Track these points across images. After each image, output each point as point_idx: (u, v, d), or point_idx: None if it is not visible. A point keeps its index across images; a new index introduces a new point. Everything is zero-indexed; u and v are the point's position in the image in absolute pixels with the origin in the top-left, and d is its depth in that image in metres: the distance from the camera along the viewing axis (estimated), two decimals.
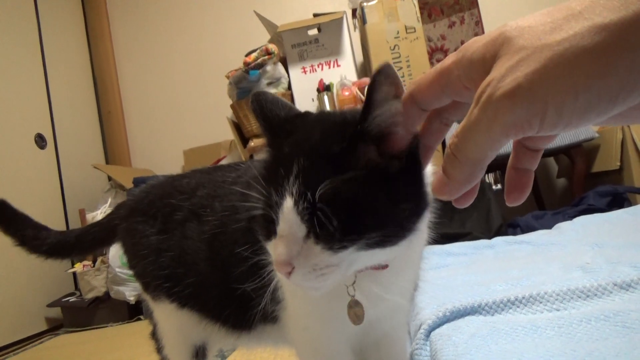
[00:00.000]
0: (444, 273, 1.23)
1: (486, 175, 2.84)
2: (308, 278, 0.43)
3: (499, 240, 1.55)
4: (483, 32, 3.08)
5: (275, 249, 0.43)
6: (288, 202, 0.42)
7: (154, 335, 0.81)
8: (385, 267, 0.50)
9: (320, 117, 0.49)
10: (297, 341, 0.63)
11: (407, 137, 0.42)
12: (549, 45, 0.28)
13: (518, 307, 0.77)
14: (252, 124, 2.57)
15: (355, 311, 0.53)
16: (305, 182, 0.41)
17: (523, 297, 0.77)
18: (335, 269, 0.43)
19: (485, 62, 0.31)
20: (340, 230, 0.41)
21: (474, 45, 0.33)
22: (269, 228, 0.45)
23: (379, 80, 0.39)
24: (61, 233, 0.92)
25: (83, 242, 0.89)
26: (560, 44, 0.27)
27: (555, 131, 0.29)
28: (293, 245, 0.42)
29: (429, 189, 0.44)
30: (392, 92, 0.40)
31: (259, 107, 0.50)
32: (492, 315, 0.77)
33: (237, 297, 0.62)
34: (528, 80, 0.28)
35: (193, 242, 0.69)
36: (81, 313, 2.60)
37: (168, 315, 0.75)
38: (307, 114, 0.50)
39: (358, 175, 0.41)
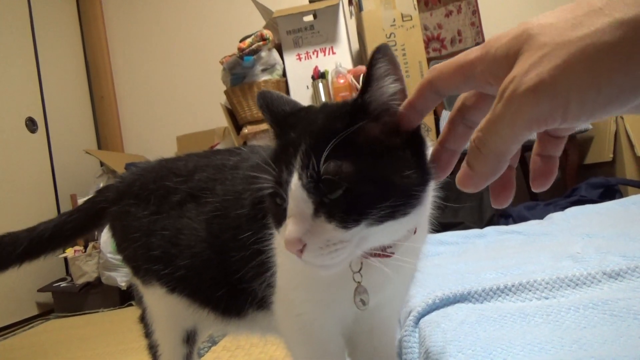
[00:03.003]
0: (436, 261, 1.23)
1: None
2: (319, 255, 0.42)
3: (490, 229, 1.55)
4: (480, 22, 3.06)
5: (285, 228, 0.43)
6: (295, 178, 0.43)
7: (143, 319, 0.80)
8: (391, 254, 0.50)
9: (324, 106, 0.50)
10: (288, 329, 0.62)
11: (412, 117, 0.42)
12: (571, 41, 0.29)
13: (507, 295, 0.77)
14: (246, 111, 2.55)
15: (362, 297, 0.53)
16: (309, 158, 0.42)
17: (512, 285, 0.77)
18: (347, 245, 0.43)
19: (508, 59, 0.32)
20: (349, 203, 0.42)
21: (498, 42, 0.33)
22: (280, 213, 0.45)
23: (377, 57, 0.42)
24: (29, 231, 0.85)
25: (61, 233, 0.84)
26: (581, 40, 0.28)
27: (578, 123, 0.31)
28: (302, 222, 0.42)
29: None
30: (391, 71, 0.42)
31: (266, 103, 0.52)
32: (481, 302, 0.77)
33: (231, 281, 0.62)
34: (551, 76, 0.28)
35: (190, 223, 0.69)
36: (72, 298, 2.60)
37: (158, 300, 0.74)
38: (311, 106, 0.52)
39: (361, 147, 0.42)
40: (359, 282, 0.52)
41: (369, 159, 0.42)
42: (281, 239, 0.45)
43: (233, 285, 0.63)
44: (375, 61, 0.42)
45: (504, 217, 2.12)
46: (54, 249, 0.88)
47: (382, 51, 0.41)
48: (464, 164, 0.36)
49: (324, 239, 0.42)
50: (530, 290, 0.76)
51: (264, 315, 0.64)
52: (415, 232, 0.52)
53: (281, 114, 0.51)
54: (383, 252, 0.49)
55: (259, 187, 0.47)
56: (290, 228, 0.42)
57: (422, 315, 0.79)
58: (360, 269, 0.52)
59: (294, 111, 0.51)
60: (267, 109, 0.51)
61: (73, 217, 0.85)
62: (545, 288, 0.75)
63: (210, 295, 0.68)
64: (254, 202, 0.60)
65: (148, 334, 0.79)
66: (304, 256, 0.43)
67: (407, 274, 0.60)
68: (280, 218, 0.46)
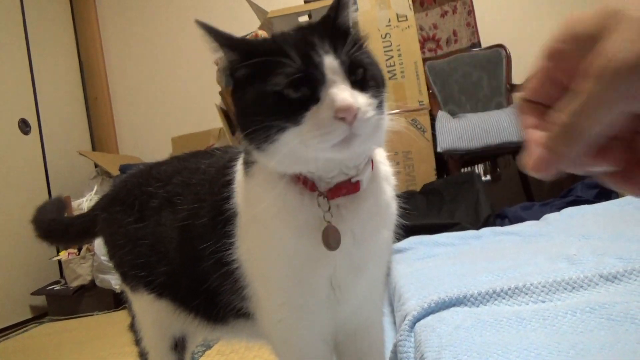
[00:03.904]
0: (431, 263, 1.22)
1: (476, 166, 2.85)
2: (370, 120, 0.49)
3: (486, 231, 1.55)
4: (475, 22, 3.06)
5: (336, 96, 0.48)
6: (330, 59, 0.50)
7: (133, 327, 0.79)
8: (356, 189, 0.56)
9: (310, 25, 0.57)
10: (272, 336, 0.62)
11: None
12: None
13: (503, 298, 0.76)
14: None
15: (333, 235, 0.55)
16: (335, 47, 0.50)
17: (508, 289, 0.76)
18: (376, 117, 0.50)
19: (592, 37, 0.30)
20: (367, 82, 0.51)
21: (576, 19, 0.32)
22: (296, 104, 0.48)
23: None
24: (52, 220, 0.92)
25: (70, 232, 0.89)
26: None
27: None
28: (350, 90, 0.49)
29: None
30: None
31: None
32: (477, 306, 0.76)
33: (205, 290, 0.62)
34: None
35: (165, 230, 0.68)
36: (66, 301, 2.57)
37: (146, 307, 0.74)
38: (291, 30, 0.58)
39: (361, 46, 0.53)
40: (328, 222, 0.55)
41: (368, 55, 0.54)
42: (312, 127, 0.48)
43: (207, 293, 0.63)
44: None
45: (500, 218, 2.11)
46: (63, 242, 1.02)
47: None
48: (537, 148, 0.33)
49: (366, 104, 0.49)
50: (526, 294, 0.75)
51: (245, 322, 0.64)
52: (372, 167, 0.58)
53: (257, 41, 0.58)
54: (351, 183, 0.55)
55: (288, 71, 0.49)
56: (343, 95, 0.47)
57: (418, 319, 0.78)
58: (329, 209, 0.55)
59: (280, 34, 0.56)
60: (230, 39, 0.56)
61: (78, 220, 0.90)
62: (542, 291, 0.74)
63: (191, 302, 0.68)
64: (214, 211, 0.60)
65: (138, 341, 0.78)
66: (357, 122, 0.47)
67: (379, 237, 0.61)
68: (297, 109, 0.48)
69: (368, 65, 0.52)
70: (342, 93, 0.47)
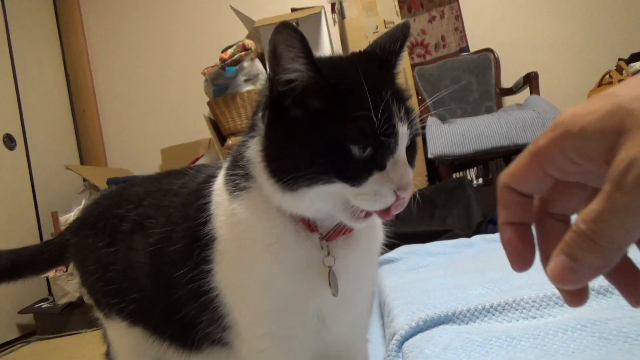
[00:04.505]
0: (422, 275, 1.20)
1: (467, 171, 2.83)
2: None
3: (478, 238, 1.53)
4: (463, 26, 3.06)
5: (405, 175, 0.47)
6: (404, 128, 0.48)
7: (108, 355, 0.76)
8: (351, 229, 0.55)
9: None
10: None
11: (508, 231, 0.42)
12: None
13: (493, 314, 0.74)
14: (229, 122, 2.51)
15: (334, 281, 0.54)
16: (407, 114, 0.50)
17: (498, 305, 0.74)
18: None
19: (604, 136, 0.29)
20: (414, 156, 0.52)
21: (582, 119, 0.31)
22: (359, 164, 0.46)
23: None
24: (13, 252, 0.84)
25: (37, 262, 0.83)
26: None
27: None
28: (409, 169, 0.49)
29: None
30: None
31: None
32: (467, 324, 0.74)
33: (179, 319, 0.58)
34: None
35: (137, 255, 0.65)
36: (54, 319, 2.52)
37: (120, 334, 0.70)
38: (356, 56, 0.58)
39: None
40: (330, 267, 0.53)
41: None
42: (359, 196, 0.47)
43: (181, 321, 0.59)
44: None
45: (492, 223, 2.10)
46: (30, 275, 0.87)
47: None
48: (560, 257, 0.31)
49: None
50: (516, 310, 0.73)
51: (221, 350, 0.60)
52: None
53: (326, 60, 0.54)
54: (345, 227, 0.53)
55: (362, 130, 0.46)
56: (409, 176, 0.48)
57: (406, 338, 0.75)
58: (328, 253, 0.53)
59: (345, 59, 0.55)
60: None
61: (48, 247, 0.84)
62: (532, 307, 0.72)
63: (163, 329, 0.65)
64: (189, 237, 0.57)
65: None
66: (405, 196, 0.47)
67: (368, 270, 0.61)
68: (359, 170, 0.47)
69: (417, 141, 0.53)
70: (409, 174, 0.48)
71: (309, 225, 0.53)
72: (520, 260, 0.35)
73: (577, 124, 0.31)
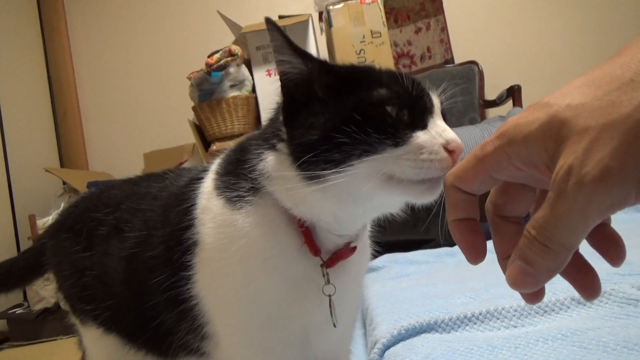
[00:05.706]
0: (405, 283, 1.20)
1: None
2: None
3: None
4: (448, 38, 3.10)
5: (447, 129, 0.47)
6: (435, 95, 0.50)
7: None
8: (352, 253, 0.55)
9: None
10: None
11: (461, 229, 0.44)
12: (619, 120, 0.28)
13: (475, 323, 0.74)
14: (214, 127, 2.49)
15: (334, 308, 0.54)
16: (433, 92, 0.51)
17: (480, 314, 0.74)
18: None
19: (545, 145, 0.31)
20: None
21: (523, 129, 0.32)
22: (395, 122, 0.45)
23: None
24: None
25: (12, 275, 0.79)
26: (630, 116, 0.28)
27: None
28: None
29: None
30: None
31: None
32: (449, 332, 0.74)
33: (154, 326, 0.57)
34: (614, 159, 0.28)
35: (112, 260, 0.63)
36: (29, 325, 2.45)
37: (96, 341, 0.68)
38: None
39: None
40: (329, 296, 0.52)
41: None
42: (379, 164, 0.44)
43: (155, 329, 0.58)
44: None
45: None
46: (6, 290, 0.83)
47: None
48: (516, 261, 0.33)
49: None
50: (498, 319, 0.73)
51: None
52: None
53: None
54: (348, 249, 0.54)
55: (392, 91, 0.46)
56: (452, 133, 0.46)
57: (388, 346, 0.75)
58: (328, 281, 0.52)
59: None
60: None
61: (24, 256, 0.81)
62: (514, 316, 0.72)
63: (138, 337, 0.63)
64: (169, 242, 0.55)
65: None
66: (457, 149, 0.45)
67: (356, 290, 0.62)
68: (400, 128, 0.45)
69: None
70: (453, 132, 0.46)
71: (312, 246, 0.52)
72: (475, 250, 0.38)
73: (520, 133, 0.32)
